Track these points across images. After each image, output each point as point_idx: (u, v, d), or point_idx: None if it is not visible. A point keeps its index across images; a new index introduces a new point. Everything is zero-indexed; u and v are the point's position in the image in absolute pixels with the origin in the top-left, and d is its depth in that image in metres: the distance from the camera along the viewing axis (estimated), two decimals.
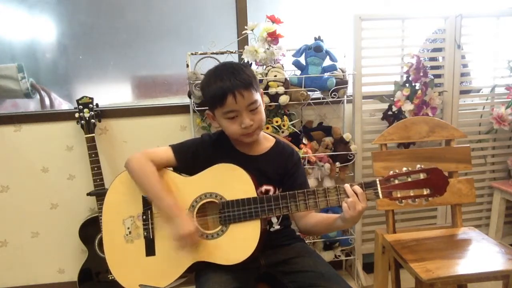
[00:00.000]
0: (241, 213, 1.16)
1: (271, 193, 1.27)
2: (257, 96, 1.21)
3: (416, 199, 1.11)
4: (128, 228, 1.23)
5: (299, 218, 1.29)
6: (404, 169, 1.11)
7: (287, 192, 1.16)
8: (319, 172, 2.00)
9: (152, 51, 2.21)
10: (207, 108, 1.28)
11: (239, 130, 1.20)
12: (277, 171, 1.29)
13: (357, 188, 1.11)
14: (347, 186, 1.12)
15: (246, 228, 1.16)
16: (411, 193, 1.11)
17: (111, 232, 1.24)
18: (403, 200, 1.11)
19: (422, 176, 1.10)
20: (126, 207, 1.24)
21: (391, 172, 1.12)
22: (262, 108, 1.23)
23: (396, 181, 1.11)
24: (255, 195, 1.17)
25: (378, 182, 1.11)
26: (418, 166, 1.11)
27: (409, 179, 1.11)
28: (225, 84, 1.15)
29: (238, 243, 1.16)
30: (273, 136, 1.38)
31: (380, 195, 1.11)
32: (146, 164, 1.22)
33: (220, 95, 1.15)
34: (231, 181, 1.19)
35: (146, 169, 1.21)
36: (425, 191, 1.10)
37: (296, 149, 1.54)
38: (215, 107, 1.20)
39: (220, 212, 1.18)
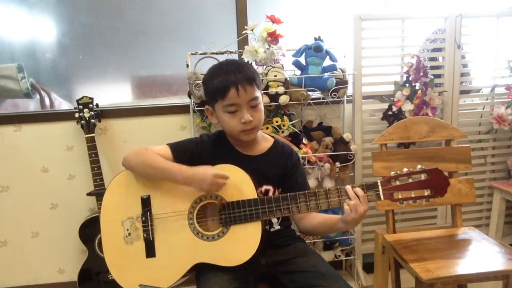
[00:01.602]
0: (241, 214, 1.16)
1: (270, 193, 1.27)
2: (259, 93, 1.21)
3: (417, 200, 1.11)
4: (127, 229, 1.22)
5: (299, 219, 1.29)
6: (405, 170, 1.12)
7: (288, 194, 1.16)
8: (319, 172, 2.00)
9: (152, 51, 2.20)
10: (207, 105, 1.28)
11: (239, 126, 1.20)
12: (276, 171, 1.29)
13: (358, 190, 1.11)
14: (348, 188, 1.12)
15: (247, 230, 1.16)
16: (412, 194, 1.11)
17: (110, 233, 1.23)
18: (404, 201, 1.12)
19: (423, 177, 1.11)
20: (124, 209, 1.23)
21: (392, 173, 1.12)
22: (262, 107, 1.23)
23: (397, 182, 1.11)
24: (255, 196, 1.17)
25: (379, 183, 1.12)
26: (419, 167, 1.11)
27: (410, 180, 1.11)
28: (229, 78, 1.16)
29: (239, 244, 1.15)
30: (272, 136, 1.38)
31: (382, 197, 1.12)
32: (143, 150, 1.23)
33: (223, 87, 1.16)
34: (231, 182, 1.18)
35: (144, 153, 1.22)
36: (426, 192, 1.11)
37: (296, 149, 1.54)
38: (216, 100, 1.20)
39: (221, 214, 1.18)
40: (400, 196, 1.12)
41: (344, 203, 1.11)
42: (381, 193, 1.12)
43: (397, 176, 1.12)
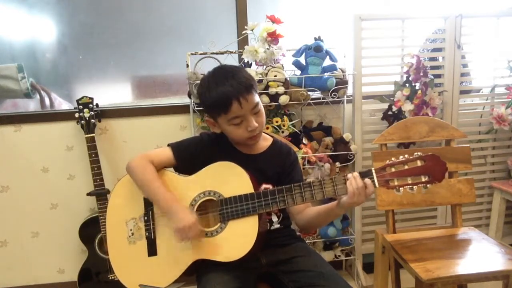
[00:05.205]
0: (238, 209, 1.16)
1: None
2: (258, 97, 1.21)
3: (414, 187, 1.09)
4: (131, 229, 1.24)
5: (296, 213, 1.29)
6: (401, 157, 1.10)
7: (283, 186, 1.16)
8: (319, 172, 2.00)
9: (152, 51, 2.21)
10: (207, 117, 1.27)
11: (245, 134, 1.20)
12: (276, 170, 1.30)
13: (359, 180, 1.10)
14: (351, 178, 1.10)
15: (244, 224, 1.16)
16: (409, 180, 1.09)
17: (115, 234, 1.25)
18: (400, 189, 1.09)
19: (419, 163, 1.09)
20: (128, 210, 1.25)
21: (388, 161, 1.10)
22: (263, 110, 1.24)
23: (393, 169, 1.09)
24: (252, 191, 1.17)
25: (373, 171, 1.10)
26: (416, 153, 1.10)
27: (406, 167, 1.09)
28: (227, 90, 1.14)
29: (236, 239, 1.16)
30: (270, 135, 1.39)
31: (376, 184, 1.10)
32: (145, 165, 1.23)
33: (224, 102, 1.14)
34: (228, 179, 1.19)
35: (145, 170, 1.23)
36: (423, 178, 1.08)
37: (295, 148, 1.55)
38: (218, 114, 1.19)
39: (219, 210, 1.18)
40: (396, 183, 1.09)
41: (339, 192, 1.11)
42: (375, 180, 1.10)
43: (393, 163, 1.09)
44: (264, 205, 1.16)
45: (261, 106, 1.22)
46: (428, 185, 1.08)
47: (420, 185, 1.09)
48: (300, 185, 1.15)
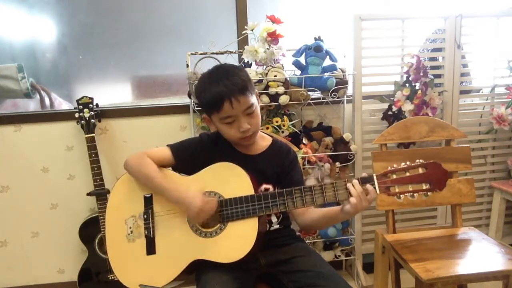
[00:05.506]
0: (238, 210, 1.16)
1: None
2: (253, 99, 1.21)
3: (415, 194, 1.09)
4: (130, 227, 1.24)
5: (299, 214, 1.29)
6: (403, 164, 1.10)
7: (284, 189, 1.16)
8: (319, 172, 2.00)
9: (152, 51, 2.21)
10: (204, 114, 1.28)
11: (238, 134, 1.21)
12: (275, 170, 1.30)
13: (358, 187, 1.10)
14: (350, 186, 1.11)
15: (244, 226, 1.16)
16: (410, 188, 1.09)
17: (114, 232, 1.25)
18: (401, 196, 1.09)
19: (421, 170, 1.09)
20: (128, 208, 1.25)
21: (389, 167, 1.11)
22: (259, 111, 1.24)
23: (394, 176, 1.10)
24: (253, 193, 1.17)
25: (375, 177, 1.11)
26: (418, 160, 1.10)
27: (408, 174, 1.09)
28: (220, 90, 1.15)
29: (236, 240, 1.16)
30: (270, 135, 1.39)
31: (377, 190, 1.10)
32: (144, 159, 1.23)
33: (216, 101, 1.16)
34: (229, 180, 1.19)
35: (144, 163, 1.23)
36: (424, 186, 1.09)
37: (295, 148, 1.55)
38: (212, 113, 1.21)
39: (219, 210, 1.18)
40: (397, 190, 1.09)
41: (340, 197, 1.11)
42: (376, 187, 1.10)
43: (394, 170, 1.10)
44: (264, 208, 1.16)
45: (256, 108, 1.22)
46: (429, 193, 1.09)
47: (420, 193, 1.09)
48: (301, 189, 1.15)
